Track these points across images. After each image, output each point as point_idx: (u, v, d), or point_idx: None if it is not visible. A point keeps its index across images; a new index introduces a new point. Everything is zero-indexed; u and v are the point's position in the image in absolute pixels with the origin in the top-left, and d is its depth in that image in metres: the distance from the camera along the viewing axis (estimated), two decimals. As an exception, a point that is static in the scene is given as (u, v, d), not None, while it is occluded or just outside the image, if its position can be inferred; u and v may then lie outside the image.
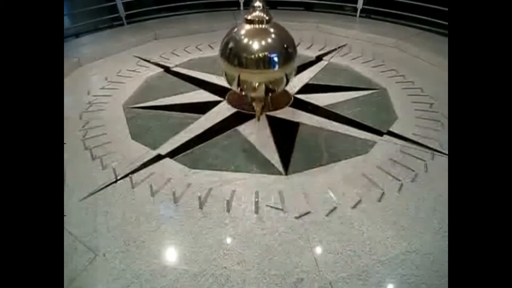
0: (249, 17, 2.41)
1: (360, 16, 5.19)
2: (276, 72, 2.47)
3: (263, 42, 2.39)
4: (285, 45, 2.46)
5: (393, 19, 5.02)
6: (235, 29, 2.51)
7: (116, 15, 4.94)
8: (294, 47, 2.53)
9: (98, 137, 2.56)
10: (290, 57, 2.50)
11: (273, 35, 2.44)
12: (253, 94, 2.64)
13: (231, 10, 5.58)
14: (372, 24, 4.95)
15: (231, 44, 2.45)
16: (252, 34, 2.41)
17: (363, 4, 5.05)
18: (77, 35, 4.75)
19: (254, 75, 2.48)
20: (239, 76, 2.51)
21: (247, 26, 2.44)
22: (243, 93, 2.62)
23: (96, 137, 2.56)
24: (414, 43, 4.20)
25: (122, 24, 5.00)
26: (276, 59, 2.41)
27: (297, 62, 2.68)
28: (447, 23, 4.22)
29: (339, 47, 4.23)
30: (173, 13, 5.52)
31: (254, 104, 2.66)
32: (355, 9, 5.20)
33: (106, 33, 4.84)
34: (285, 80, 2.56)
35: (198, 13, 5.55)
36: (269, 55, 2.39)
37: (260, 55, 2.38)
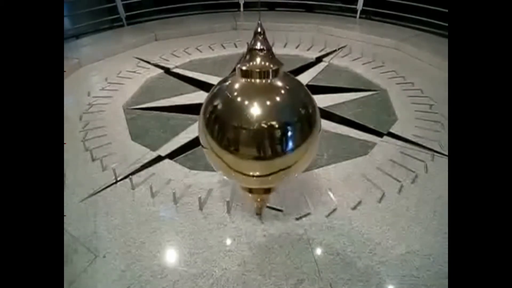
0: (244, 67, 1.27)
1: (360, 17, 5.20)
2: (290, 156, 1.32)
3: (270, 102, 1.29)
4: (301, 109, 1.37)
5: (393, 20, 5.03)
6: (227, 82, 1.38)
7: (117, 16, 4.95)
8: (316, 113, 1.42)
9: (98, 138, 2.56)
10: (311, 129, 1.37)
11: (283, 91, 1.34)
12: (252, 186, 1.55)
13: (231, 11, 5.59)
14: (372, 25, 4.96)
15: (218, 103, 1.33)
16: (250, 95, 1.30)
17: (363, 5, 5.06)
18: (77, 36, 4.76)
19: (256, 162, 1.32)
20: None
21: (243, 82, 1.32)
22: (238, 184, 1.55)
23: (96, 138, 2.56)
24: (414, 44, 4.21)
25: (122, 25, 5.00)
26: (291, 132, 1.30)
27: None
28: (447, 24, 4.22)
29: (339, 48, 4.23)
30: (173, 14, 5.53)
31: (251, 195, 1.57)
32: (354, 10, 5.20)
33: (106, 34, 4.85)
34: (304, 164, 1.41)
35: (198, 14, 5.55)
36: (279, 125, 1.26)
37: (264, 125, 1.23)
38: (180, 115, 2.87)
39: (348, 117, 2.80)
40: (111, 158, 2.33)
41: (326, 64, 3.86)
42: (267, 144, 1.27)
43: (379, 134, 2.58)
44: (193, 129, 2.66)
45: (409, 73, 3.56)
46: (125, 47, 4.37)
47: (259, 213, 1.87)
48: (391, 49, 4.30)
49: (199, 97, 3.16)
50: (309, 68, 3.72)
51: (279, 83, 1.33)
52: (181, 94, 3.23)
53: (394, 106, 2.97)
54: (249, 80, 1.30)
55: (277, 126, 1.25)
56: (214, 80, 3.43)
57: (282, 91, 1.34)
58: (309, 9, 5.73)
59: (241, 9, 5.60)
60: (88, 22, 4.85)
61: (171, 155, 2.37)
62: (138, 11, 5.18)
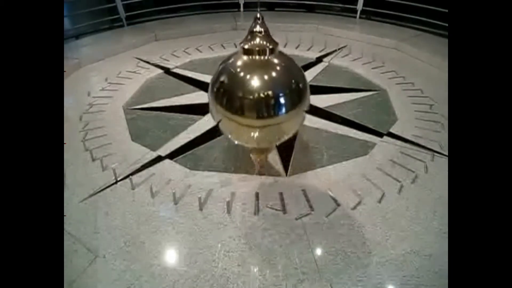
0: (246, 46, 1.65)
1: (360, 18, 5.20)
2: (283, 118, 1.70)
3: (266, 80, 1.64)
4: (294, 83, 1.72)
5: (393, 21, 5.03)
6: (230, 60, 1.75)
7: (117, 16, 4.95)
8: (305, 84, 1.77)
9: (98, 138, 2.56)
10: (301, 97, 1.74)
11: (278, 70, 1.71)
12: (253, 146, 1.96)
13: (231, 12, 5.59)
14: (372, 26, 4.96)
15: (223, 77, 1.70)
16: (251, 69, 1.66)
17: (363, 5, 5.06)
18: (77, 36, 4.76)
19: (255, 123, 1.70)
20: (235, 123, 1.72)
21: (245, 58, 1.69)
22: (240, 143, 1.90)
23: (96, 138, 2.56)
24: (414, 44, 4.21)
25: (122, 26, 5.01)
26: (284, 100, 1.66)
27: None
28: (447, 24, 4.23)
29: (339, 49, 4.24)
30: (173, 14, 5.53)
31: (253, 156, 2.05)
32: (354, 10, 5.21)
33: (106, 35, 4.85)
34: (295, 126, 1.82)
35: (198, 14, 5.56)
36: (273, 94, 1.63)
37: (262, 96, 1.62)
38: (180, 115, 2.87)
39: (348, 117, 2.80)
40: (111, 158, 2.33)
41: (326, 64, 3.86)
42: (265, 109, 1.62)
43: (379, 134, 2.58)
44: (193, 129, 2.66)
45: (409, 73, 3.56)
46: (125, 47, 4.37)
47: (259, 173, 2.20)
48: (391, 49, 4.30)
49: (199, 97, 3.16)
50: (309, 68, 3.72)
51: (275, 60, 1.67)
52: (181, 94, 3.23)
53: (394, 106, 2.97)
54: (250, 57, 1.64)
55: (273, 95, 1.59)
56: (214, 80, 3.43)
57: (278, 67, 1.68)
58: (309, 9, 5.73)
59: (241, 9, 5.60)
60: (88, 22, 4.85)
61: (171, 155, 2.37)
62: (138, 11, 5.18)
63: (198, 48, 4.36)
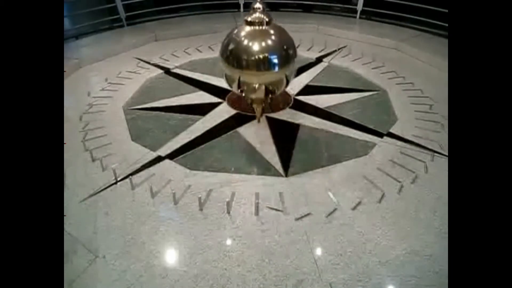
0: (249, 19, 2.41)
1: (360, 18, 5.20)
2: (276, 73, 2.46)
3: (263, 44, 2.37)
4: (285, 47, 2.46)
5: (393, 21, 5.03)
6: (235, 31, 2.50)
7: (117, 16, 4.95)
8: (294, 49, 2.54)
9: (98, 138, 2.56)
10: (290, 58, 2.49)
11: (273, 37, 2.43)
12: (253, 96, 2.60)
13: (231, 12, 5.59)
14: (372, 26, 4.96)
15: (231, 46, 2.44)
16: (252, 36, 2.39)
17: (363, 5, 5.06)
18: (77, 36, 4.76)
19: (254, 77, 2.47)
20: (239, 78, 2.50)
21: (247, 28, 2.44)
22: (243, 94, 2.60)
23: (96, 138, 2.56)
24: (414, 44, 4.21)
25: (122, 26, 5.00)
26: (276, 60, 2.40)
27: (297, 63, 2.66)
28: (447, 25, 4.23)
29: (339, 49, 4.24)
30: (173, 14, 5.53)
31: (254, 105, 2.66)
32: (354, 11, 5.20)
33: (106, 35, 4.85)
34: (285, 81, 2.56)
35: (198, 14, 5.56)
36: (269, 56, 2.37)
37: (260, 56, 2.36)
38: (180, 115, 2.86)
39: (348, 117, 2.79)
40: (111, 158, 2.33)
41: (326, 64, 3.86)
42: (263, 65, 2.40)
43: (379, 135, 2.58)
44: (193, 129, 2.66)
45: (409, 73, 3.56)
46: (125, 48, 4.37)
47: (259, 121, 2.71)
48: (391, 49, 4.30)
49: (199, 97, 3.17)
50: (309, 68, 3.72)
51: (271, 30, 2.46)
52: (181, 94, 3.23)
53: (394, 107, 2.97)
54: (251, 27, 2.43)
55: (269, 55, 2.38)
56: (214, 80, 3.44)
57: (273, 36, 2.44)
58: (309, 9, 5.73)
59: (241, 9, 5.60)
60: (88, 23, 4.85)
61: (171, 156, 2.37)
62: (138, 12, 5.18)
63: (198, 48, 4.36)
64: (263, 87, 2.49)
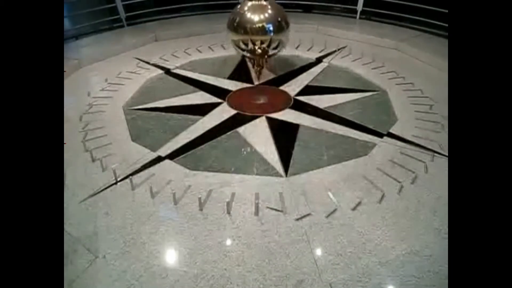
0: None
1: (360, 18, 5.20)
2: (272, 37, 3.22)
3: (262, 15, 3.17)
4: (279, 19, 3.24)
5: (393, 21, 5.04)
6: (239, 6, 3.31)
7: (117, 16, 4.96)
8: (286, 20, 3.31)
9: (98, 138, 2.56)
10: (284, 26, 3.28)
11: (270, 10, 3.21)
12: (255, 55, 3.35)
13: (231, 12, 5.58)
14: (372, 26, 4.97)
15: (237, 17, 3.23)
16: (253, 9, 3.20)
17: (363, 5, 5.06)
18: (77, 36, 4.76)
19: (255, 40, 3.23)
20: (243, 42, 3.26)
21: (249, 3, 3.23)
22: (248, 55, 3.38)
23: (96, 138, 2.56)
24: (414, 44, 4.21)
25: (122, 26, 5.01)
26: (272, 28, 3.18)
27: (289, 33, 3.35)
28: (447, 25, 4.23)
29: (339, 49, 4.24)
30: (174, 14, 5.54)
31: (255, 67, 3.50)
32: (354, 11, 5.21)
33: (106, 35, 4.85)
34: (280, 44, 3.34)
35: (198, 15, 5.57)
36: (267, 24, 3.16)
37: (260, 24, 3.16)
38: (180, 116, 2.87)
39: (348, 118, 2.80)
40: (111, 159, 2.33)
41: (326, 64, 3.87)
42: (262, 32, 3.19)
43: (379, 135, 2.58)
44: (193, 130, 2.66)
45: (409, 73, 3.56)
46: (125, 48, 4.38)
47: (258, 78, 3.48)
48: (391, 49, 4.30)
49: (199, 97, 3.17)
50: (309, 69, 3.72)
51: (268, 5, 3.24)
52: (181, 94, 3.23)
53: (394, 107, 2.97)
54: (252, 2, 3.22)
55: (267, 24, 3.18)
56: (214, 80, 3.44)
57: (270, 10, 3.22)
58: (309, 9, 5.73)
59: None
60: (88, 23, 4.86)
61: (171, 156, 2.37)
62: (138, 12, 5.18)
63: (198, 48, 4.36)
64: (263, 46, 3.27)
